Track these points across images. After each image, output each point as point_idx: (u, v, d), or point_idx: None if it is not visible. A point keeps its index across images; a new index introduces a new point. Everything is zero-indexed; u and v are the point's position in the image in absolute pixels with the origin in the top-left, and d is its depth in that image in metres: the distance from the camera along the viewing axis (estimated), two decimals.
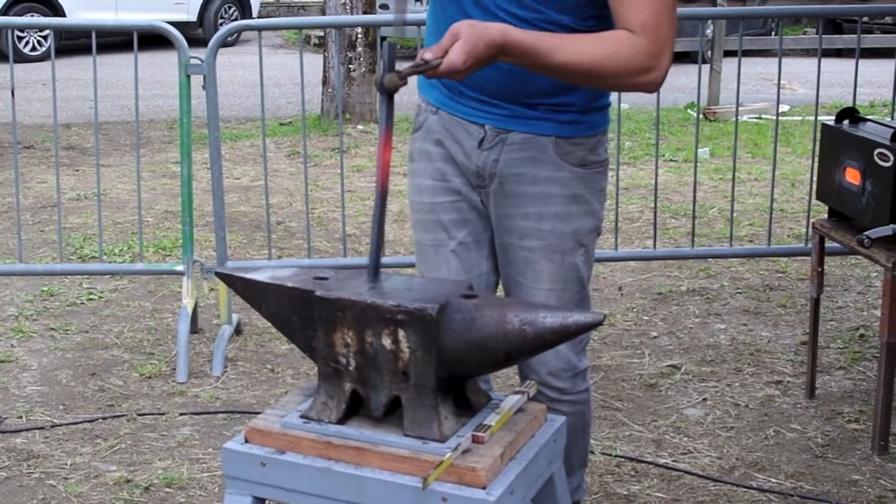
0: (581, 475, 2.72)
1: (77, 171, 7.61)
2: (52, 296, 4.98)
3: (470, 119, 2.39)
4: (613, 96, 2.50)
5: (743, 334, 4.56)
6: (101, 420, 3.74)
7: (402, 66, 1.96)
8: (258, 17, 15.86)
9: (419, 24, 4.65)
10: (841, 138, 3.63)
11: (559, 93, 2.31)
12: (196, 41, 10.95)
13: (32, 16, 13.17)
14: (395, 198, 6.55)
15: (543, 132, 2.35)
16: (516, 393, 2.06)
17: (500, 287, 2.55)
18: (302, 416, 1.98)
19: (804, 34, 15.16)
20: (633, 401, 3.91)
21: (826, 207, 3.80)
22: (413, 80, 2.07)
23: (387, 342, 1.90)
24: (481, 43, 2.01)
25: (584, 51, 2.09)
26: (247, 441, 1.99)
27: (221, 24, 14.51)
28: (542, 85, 2.29)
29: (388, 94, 1.98)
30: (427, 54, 2.01)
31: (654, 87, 2.14)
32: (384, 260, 4.71)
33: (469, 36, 2.01)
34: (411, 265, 4.32)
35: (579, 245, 2.42)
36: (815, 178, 4.04)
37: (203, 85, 4.35)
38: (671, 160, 8.00)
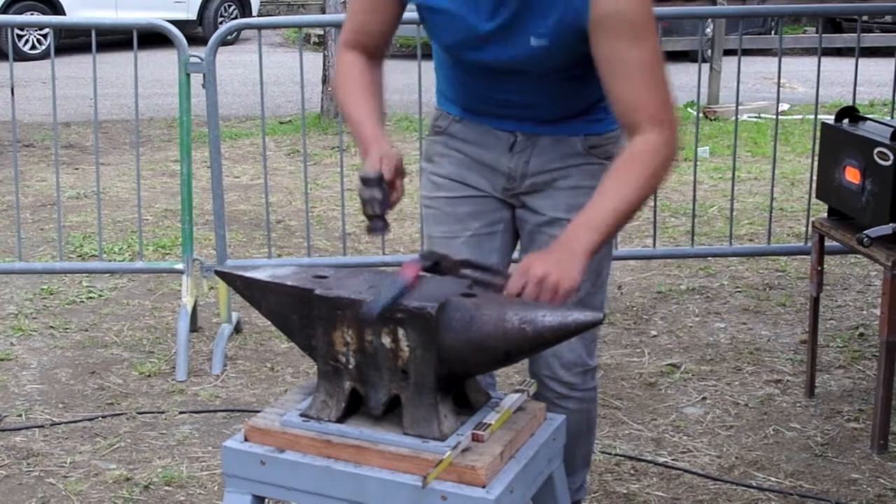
0: (584, 476, 2.73)
1: (77, 169, 7.61)
2: (51, 294, 4.98)
3: (499, 128, 2.44)
4: None
5: (742, 333, 4.56)
6: (100, 418, 3.74)
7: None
8: (258, 16, 15.85)
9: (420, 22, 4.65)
10: (841, 137, 3.63)
11: (591, 108, 2.40)
12: (196, 39, 10.94)
13: (32, 14, 13.16)
14: None
15: (574, 133, 2.43)
16: (516, 391, 2.06)
17: None
18: (301, 415, 1.98)
19: (804, 33, 15.16)
20: (633, 399, 3.91)
21: (826, 206, 3.79)
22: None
23: (386, 341, 1.90)
24: (564, 256, 2.05)
25: (628, 192, 2.13)
26: (246, 439, 1.99)
27: (221, 23, 14.49)
28: (574, 106, 2.38)
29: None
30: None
31: (676, 145, 2.20)
32: (384, 258, 4.72)
33: (545, 257, 2.04)
34: None
35: None
36: (814, 177, 4.04)
37: (203, 83, 4.35)
38: None
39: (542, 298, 1.98)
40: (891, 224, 3.33)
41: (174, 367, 4.13)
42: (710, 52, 10.33)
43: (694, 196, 5.02)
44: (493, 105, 2.40)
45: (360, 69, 2.34)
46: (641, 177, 2.13)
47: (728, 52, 10.38)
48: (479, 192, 2.49)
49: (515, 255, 2.63)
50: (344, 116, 2.32)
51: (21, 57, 12.36)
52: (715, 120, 9.56)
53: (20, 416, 3.76)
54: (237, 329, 4.50)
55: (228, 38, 4.81)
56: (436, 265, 2.06)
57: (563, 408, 2.45)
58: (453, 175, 2.49)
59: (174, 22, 4.87)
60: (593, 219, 2.10)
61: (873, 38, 11.46)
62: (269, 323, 2.23)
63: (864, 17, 11.75)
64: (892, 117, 5.06)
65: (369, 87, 2.32)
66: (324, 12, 10.50)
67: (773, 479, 3.33)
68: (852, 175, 3.52)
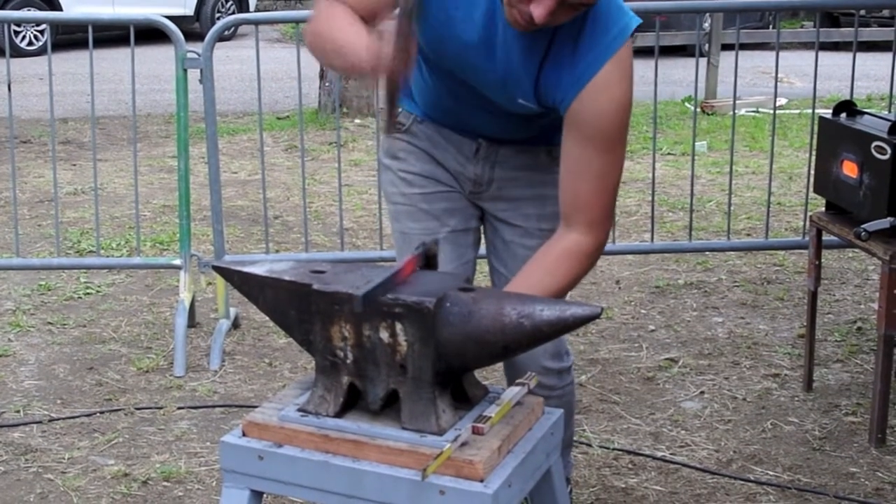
0: (567, 455, 2.87)
1: (74, 165, 7.61)
2: (49, 290, 4.98)
3: (462, 135, 2.46)
4: None
5: (740, 327, 4.57)
6: (98, 414, 3.74)
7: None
8: (255, 11, 15.84)
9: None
10: (838, 131, 3.63)
11: (559, 129, 2.36)
12: (193, 35, 10.92)
13: (29, 10, 13.14)
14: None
15: (537, 144, 2.45)
16: (517, 384, 2.06)
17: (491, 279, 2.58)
18: (299, 410, 1.98)
19: (801, 27, 15.16)
20: (631, 394, 3.91)
21: (823, 200, 3.79)
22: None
23: (384, 335, 1.90)
24: None
25: (551, 286, 2.15)
26: (244, 435, 1.99)
27: (218, 18, 14.49)
28: (542, 130, 2.40)
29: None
30: None
31: (600, 254, 2.27)
32: (382, 254, 4.72)
33: None
34: None
35: None
36: (812, 172, 4.04)
37: (200, 79, 4.34)
38: (669, 154, 7.99)
39: None
40: (888, 218, 3.34)
41: (172, 363, 4.13)
42: (707, 46, 10.32)
43: (692, 191, 5.02)
44: (456, 119, 2.42)
45: (353, 17, 2.09)
46: (569, 276, 2.19)
47: (726, 47, 10.34)
48: (451, 189, 2.52)
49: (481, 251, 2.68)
50: (329, 46, 2.02)
51: (18, 53, 12.35)
52: (712, 114, 9.56)
53: (18, 412, 3.76)
54: (235, 324, 4.50)
55: (225, 33, 4.80)
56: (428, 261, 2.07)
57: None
58: (425, 172, 2.51)
59: (171, 18, 4.86)
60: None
61: (871, 33, 11.48)
62: (267, 318, 2.23)
63: (862, 12, 11.75)
64: (890, 111, 5.06)
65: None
66: None
67: (771, 472, 3.34)
68: (850, 169, 3.52)
